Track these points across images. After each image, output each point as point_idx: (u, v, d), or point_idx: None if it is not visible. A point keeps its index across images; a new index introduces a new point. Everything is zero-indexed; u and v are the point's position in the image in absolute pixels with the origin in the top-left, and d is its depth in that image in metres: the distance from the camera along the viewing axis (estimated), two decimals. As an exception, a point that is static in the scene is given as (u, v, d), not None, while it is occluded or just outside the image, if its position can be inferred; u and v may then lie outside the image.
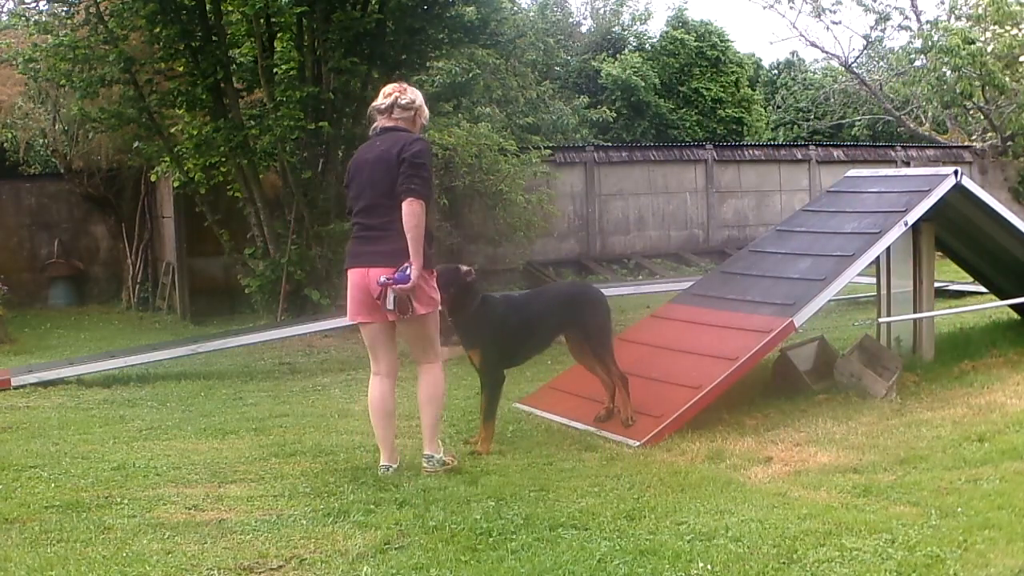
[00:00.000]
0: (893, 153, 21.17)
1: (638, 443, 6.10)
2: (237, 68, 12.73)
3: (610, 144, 21.97)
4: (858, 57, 26.01)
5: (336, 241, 12.41)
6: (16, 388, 8.85)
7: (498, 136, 16.44)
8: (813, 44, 32.84)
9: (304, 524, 4.76)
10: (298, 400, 8.29)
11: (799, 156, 20.28)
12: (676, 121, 25.83)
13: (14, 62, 13.16)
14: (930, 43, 21.19)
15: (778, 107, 30.62)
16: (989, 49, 20.97)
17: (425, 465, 5.63)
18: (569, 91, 24.96)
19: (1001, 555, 4.01)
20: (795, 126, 29.38)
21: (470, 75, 17.91)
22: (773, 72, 32.45)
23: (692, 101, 26.22)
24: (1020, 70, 21.32)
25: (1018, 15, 20.98)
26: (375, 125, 5.71)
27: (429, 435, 5.68)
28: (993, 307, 9.59)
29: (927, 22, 23.33)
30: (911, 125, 24.55)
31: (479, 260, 16.70)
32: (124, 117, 12.31)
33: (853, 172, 8.68)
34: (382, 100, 5.65)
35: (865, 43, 25.48)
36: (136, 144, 12.95)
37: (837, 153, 20.87)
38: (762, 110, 28.75)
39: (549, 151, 17.40)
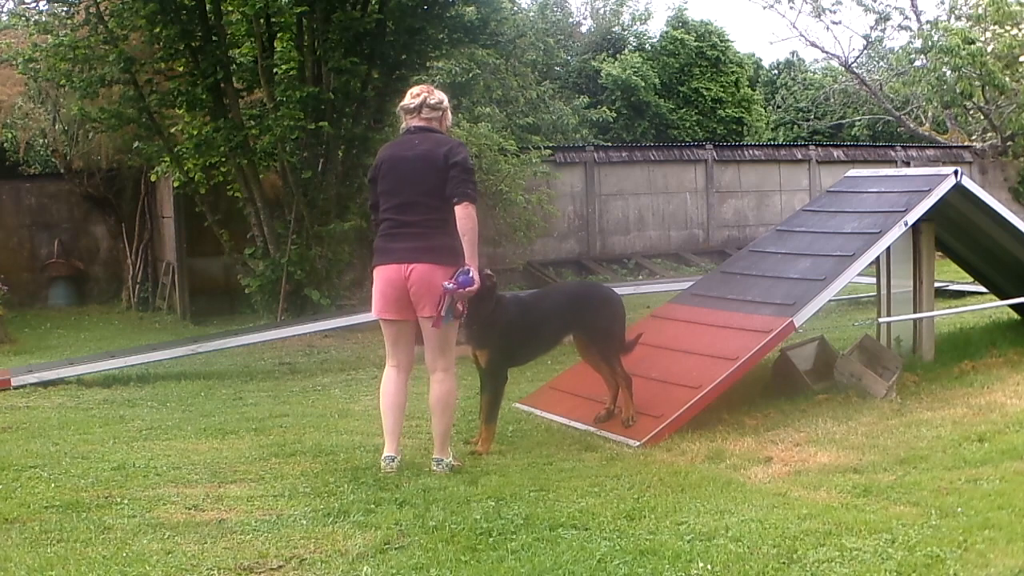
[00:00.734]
0: (893, 153, 21.18)
1: (638, 443, 6.10)
2: (237, 68, 12.73)
3: (610, 144, 21.98)
4: (858, 57, 26.05)
5: (336, 241, 12.42)
6: (16, 388, 8.84)
7: (498, 136, 16.45)
8: (813, 44, 32.98)
9: (304, 524, 4.76)
10: (298, 400, 8.29)
11: (799, 156, 20.29)
12: (676, 121, 25.83)
13: (14, 62, 13.17)
14: (930, 43, 21.19)
15: (778, 107, 30.63)
16: (989, 49, 20.98)
17: (434, 468, 5.66)
18: (569, 91, 24.97)
19: (1001, 555, 4.01)
20: (795, 126, 29.40)
21: (470, 75, 17.92)
22: (773, 72, 32.46)
23: (692, 101, 26.22)
24: (1020, 70, 21.32)
25: (1018, 15, 20.98)
26: (405, 124, 5.74)
27: (441, 442, 5.70)
28: (993, 307, 9.59)
29: (927, 22, 23.35)
30: (911, 125, 24.56)
31: (479, 260, 16.71)
32: (124, 117, 12.31)
33: (853, 172, 8.67)
34: (410, 100, 5.69)
35: (865, 43, 25.53)
36: (136, 144, 12.94)
37: (837, 153, 20.89)
38: (762, 110, 28.75)
39: (549, 151, 17.41)
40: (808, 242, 7.69)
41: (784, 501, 4.86)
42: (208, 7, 11.96)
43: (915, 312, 8.14)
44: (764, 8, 52.56)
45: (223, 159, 12.41)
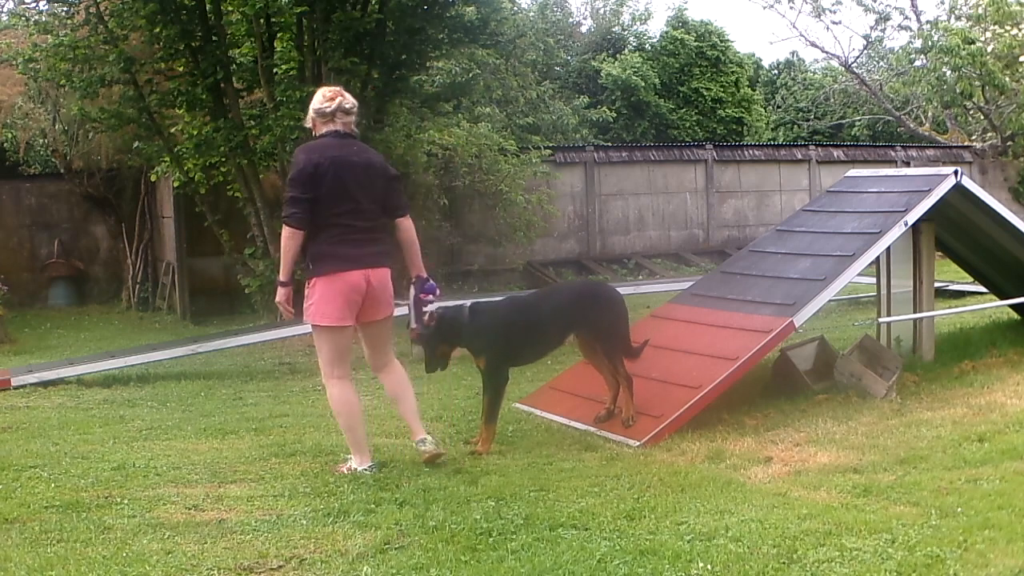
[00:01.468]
0: (893, 153, 21.17)
1: (638, 443, 6.10)
2: (237, 68, 12.72)
3: (610, 144, 21.98)
4: (858, 57, 26.05)
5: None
6: (16, 388, 8.85)
7: (498, 136, 16.45)
8: (813, 44, 33.02)
9: (304, 524, 4.76)
10: (298, 400, 8.29)
11: (799, 156, 20.28)
12: (676, 121, 25.83)
13: (14, 62, 13.16)
14: (930, 43, 21.19)
15: (778, 107, 30.63)
16: (989, 49, 20.97)
17: (424, 448, 5.70)
18: (569, 91, 24.98)
19: (1001, 555, 4.01)
20: (795, 126, 29.39)
21: (470, 75, 17.90)
22: (773, 72, 32.46)
23: (692, 101, 26.22)
24: (1020, 70, 21.31)
25: (1018, 15, 20.98)
26: (317, 127, 5.67)
27: (415, 421, 5.82)
28: (993, 307, 9.59)
29: (927, 22, 23.35)
30: (911, 125, 24.56)
31: (479, 260, 16.73)
32: (124, 117, 12.31)
33: (853, 172, 8.67)
34: (325, 103, 5.63)
35: (865, 43, 25.52)
36: (136, 144, 12.95)
37: (837, 153, 20.88)
38: (762, 110, 28.75)
39: (549, 151, 17.40)
40: (808, 242, 7.69)
41: (784, 501, 4.86)
42: (208, 7, 11.95)
43: (915, 312, 8.14)
44: (764, 8, 52.72)
45: (223, 159, 12.40)
